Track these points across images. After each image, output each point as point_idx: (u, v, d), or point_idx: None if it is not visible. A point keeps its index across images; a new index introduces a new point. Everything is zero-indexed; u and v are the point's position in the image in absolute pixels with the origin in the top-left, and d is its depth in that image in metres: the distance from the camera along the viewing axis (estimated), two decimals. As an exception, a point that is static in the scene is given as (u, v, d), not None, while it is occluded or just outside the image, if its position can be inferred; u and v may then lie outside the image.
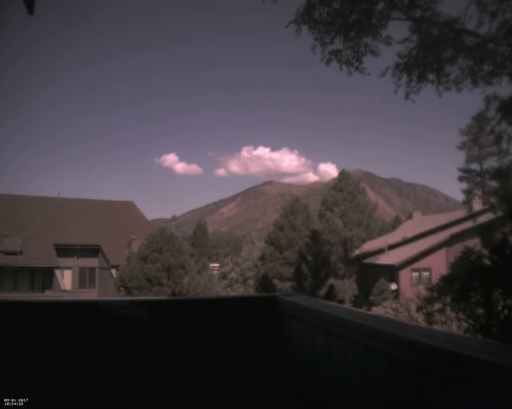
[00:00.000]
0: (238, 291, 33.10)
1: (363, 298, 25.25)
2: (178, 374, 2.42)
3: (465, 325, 5.88)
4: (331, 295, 23.15)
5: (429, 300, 6.62)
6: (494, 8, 6.97)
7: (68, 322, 2.31)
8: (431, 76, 7.72)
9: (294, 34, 7.42)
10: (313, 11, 7.31)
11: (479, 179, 33.82)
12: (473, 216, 24.91)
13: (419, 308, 6.78)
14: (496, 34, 7.19)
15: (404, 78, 7.74)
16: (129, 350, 2.38)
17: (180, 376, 2.42)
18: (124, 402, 2.33)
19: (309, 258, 24.44)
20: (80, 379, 2.27)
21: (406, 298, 7.84)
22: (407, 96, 7.80)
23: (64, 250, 27.68)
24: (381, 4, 7.40)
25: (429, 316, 6.47)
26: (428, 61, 7.57)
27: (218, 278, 34.23)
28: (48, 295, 25.77)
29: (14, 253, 25.75)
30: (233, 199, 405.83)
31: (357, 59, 7.60)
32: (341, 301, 23.80)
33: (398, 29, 7.86)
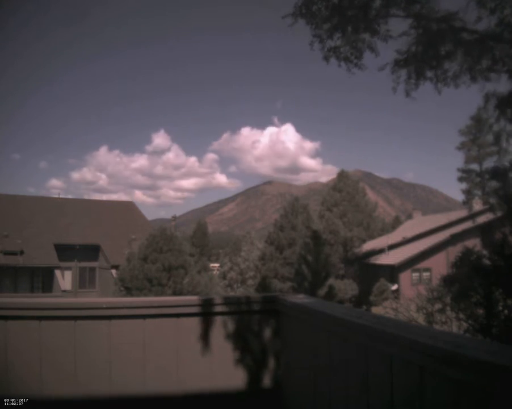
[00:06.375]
0: (238, 291, 33.05)
1: (363, 298, 25.23)
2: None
3: (465, 325, 5.88)
4: (331, 295, 23.13)
5: (429, 300, 6.62)
6: (493, 4, 6.90)
7: None
8: (430, 74, 7.65)
9: (291, 28, 7.24)
10: (310, 5, 7.21)
11: (478, 179, 33.80)
12: (473, 216, 24.88)
13: (419, 308, 6.78)
14: (495, 30, 7.13)
15: (403, 75, 7.66)
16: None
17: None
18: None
19: (309, 258, 24.42)
20: None
21: (406, 298, 7.84)
22: (407, 94, 7.73)
23: (64, 250, 27.65)
24: None
25: (429, 316, 6.47)
26: (427, 57, 7.50)
27: (218, 278, 34.20)
28: (48, 294, 25.71)
29: (14, 253, 25.71)
30: (233, 199, 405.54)
31: (356, 56, 7.52)
32: (341, 302, 23.78)
33: (397, 25, 7.77)
